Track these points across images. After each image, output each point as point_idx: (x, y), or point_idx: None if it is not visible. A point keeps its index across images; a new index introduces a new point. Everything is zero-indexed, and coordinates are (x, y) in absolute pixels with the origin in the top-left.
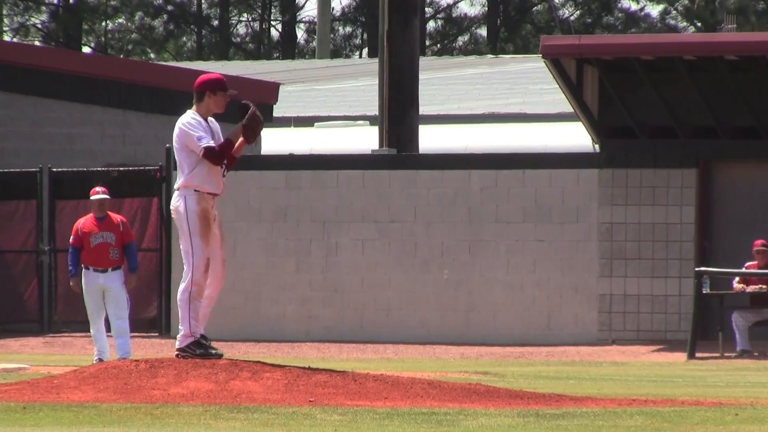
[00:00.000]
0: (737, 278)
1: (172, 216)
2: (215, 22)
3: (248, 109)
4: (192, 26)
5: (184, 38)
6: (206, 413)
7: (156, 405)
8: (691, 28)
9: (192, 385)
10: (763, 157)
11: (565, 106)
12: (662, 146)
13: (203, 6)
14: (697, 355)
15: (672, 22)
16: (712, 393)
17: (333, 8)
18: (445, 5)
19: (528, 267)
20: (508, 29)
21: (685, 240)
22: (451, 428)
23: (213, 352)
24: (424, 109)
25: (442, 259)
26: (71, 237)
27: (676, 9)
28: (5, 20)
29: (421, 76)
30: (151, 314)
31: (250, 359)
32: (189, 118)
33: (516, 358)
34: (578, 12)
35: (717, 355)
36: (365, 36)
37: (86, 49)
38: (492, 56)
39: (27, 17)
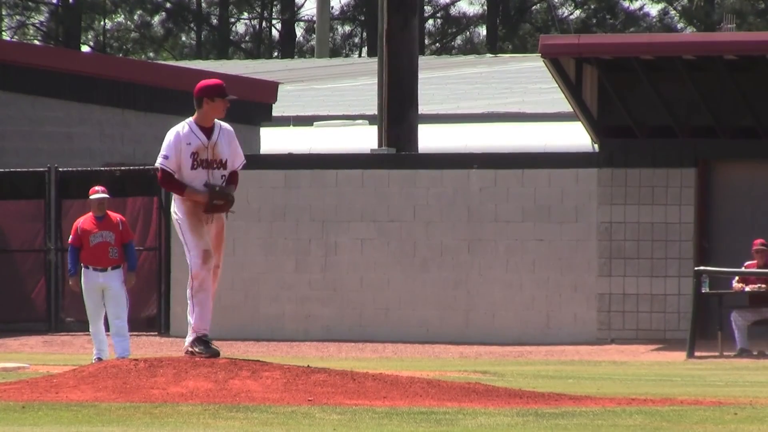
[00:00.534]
0: (736, 278)
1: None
2: (215, 21)
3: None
4: (191, 24)
5: (183, 38)
6: (205, 412)
7: (155, 404)
8: (690, 28)
9: (191, 385)
10: (762, 157)
11: (565, 105)
12: (661, 146)
13: (203, 5)
14: (696, 354)
15: (669, 21)
16: (711, 392)
17: (332, 7)
18: (443, 4)
19: (527, 266)
20: (507, 28)
21: (684, 239)
22: (450, 427)
23: (211, 348)
24: (423, 109)
25: (441, 259)
26: (70, 236)
27: (675, 9)
28: (5, 19)
29: (421, 75)
30: (150, 313)
31: (249, 358)
32: (175, 130)
33: (515, 358)
34: (584, 14)
35: (716, 354)
36: (364, 35)
37: (85, 49)
38: (491, 56)
39: (26, 17)
